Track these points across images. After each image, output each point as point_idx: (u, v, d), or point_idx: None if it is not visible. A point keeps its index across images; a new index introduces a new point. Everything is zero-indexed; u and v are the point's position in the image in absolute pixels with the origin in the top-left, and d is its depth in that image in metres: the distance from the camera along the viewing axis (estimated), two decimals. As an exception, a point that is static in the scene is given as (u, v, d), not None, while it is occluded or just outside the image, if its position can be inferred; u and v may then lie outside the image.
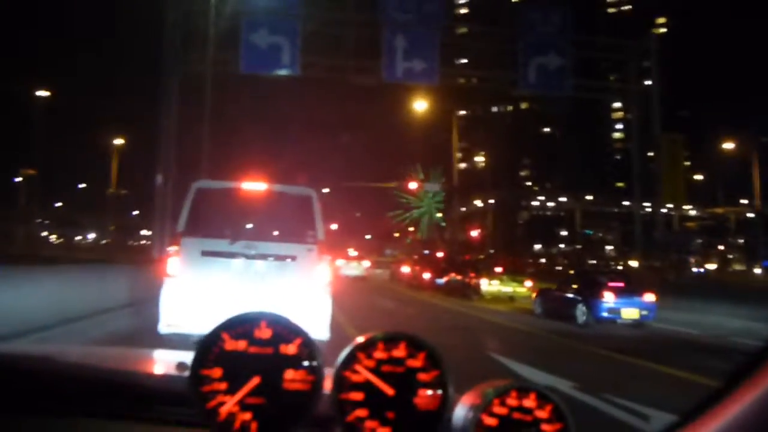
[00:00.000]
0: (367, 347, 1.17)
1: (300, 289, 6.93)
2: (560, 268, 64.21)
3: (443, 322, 14.74)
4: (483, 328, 14.05)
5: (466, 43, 31.47)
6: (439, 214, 71.13)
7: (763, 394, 0.88)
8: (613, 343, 11.53)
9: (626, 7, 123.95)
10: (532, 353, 10.01)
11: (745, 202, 70.12)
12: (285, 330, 1.17)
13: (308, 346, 1.17)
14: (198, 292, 6.73)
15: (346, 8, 23.34)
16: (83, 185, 73.95)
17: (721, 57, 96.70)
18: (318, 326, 6.66)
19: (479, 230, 69.50)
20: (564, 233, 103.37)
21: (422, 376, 1.17)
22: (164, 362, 1.96)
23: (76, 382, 1.45)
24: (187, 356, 1.26)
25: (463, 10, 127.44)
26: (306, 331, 1.18)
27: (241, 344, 1.15)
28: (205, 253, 6.92)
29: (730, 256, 73.27)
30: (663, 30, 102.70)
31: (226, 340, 1.15)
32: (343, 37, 22.65)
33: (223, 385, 1.12)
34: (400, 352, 1.17)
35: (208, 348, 1.14)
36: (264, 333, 1.16)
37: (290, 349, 1.16)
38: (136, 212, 65.11)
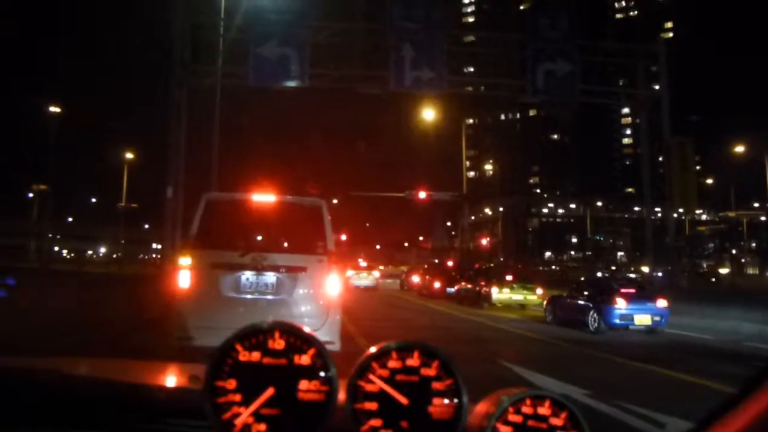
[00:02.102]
0: (380, 356, 1.17)
1: (310, 300, 6.93)
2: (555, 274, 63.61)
3: (454, 331, 14.69)
4: (494, 336, 13.99)
5: (474, 51, 31.51)
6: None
7: None
8: (627, 349, 11.46)
9: (633, 13, 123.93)
10: (545, 361, 9.96)
11: (758, 205, 69.66)
12: (299, 340, 1.17)
13: (322, 357, 1.17)
14: (209, 305, 6.73)
15: (354, 18, 23.46)
16: (95, 200, 74.59)
17: (730, 59, 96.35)
18: (329, 337, 6.65)
19: (489, 238, 69.32)
20: (574, 240, 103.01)
21: (436, 385, 1.17)
22: (176, 375, 1.97)
23: (87, 394, 1.45)
24: (199, 369, 1.26)
25: (470, 18, 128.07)
26: (319, 341, 1.18)
27: (255, 355, 1.15)
28: (216, 265, 6.93)
29: (743, 260, 72.58)
30: (670, 34, 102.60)
31: (240, 351, 1.15)
32: (351, 47, 22.76)
33: (237, 397, 1.12)
34: (413, 361, 1.17)
35: (222, 359, 1.14)
36: (278, 344, 1.16)
37: (304, 359, 1.16)
38: (146, 226, 65.48)
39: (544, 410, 1.16)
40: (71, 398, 1.42)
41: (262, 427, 1.11)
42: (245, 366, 1.14)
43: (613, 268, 76.51)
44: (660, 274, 27.17)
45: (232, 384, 1.13)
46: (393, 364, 1.17)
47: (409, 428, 1.14)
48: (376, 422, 1.13)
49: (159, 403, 1.46)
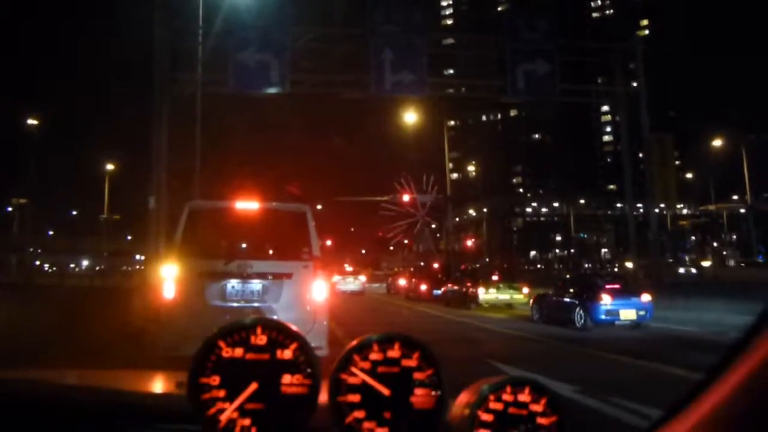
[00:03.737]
0: (362, 349, 1.19)
1: (297, 306, 6.92)
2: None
3: (442, 332, 14.70)
4: (482, 336, 14.02)
5: (454, 54, 31.74)
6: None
7: (742, 383, 0.90)
8: (613, 344, 11.53)
9: (609, 12, 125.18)
10: (533, 359, 10.00)
11: (737, 197, 70.60)
12: (281, 335, 1.19)
13: (304, 351, 1.19)
14: (195, 314, 6.69)
15: (334, 23, 23.50)
16: (75, 212, 73.88)
17: (705, 55, 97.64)
18: (316, 342, 6.64)
19: (474, 239, 69.50)
20: (558, 238, 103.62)
21: (417, 375, 1.19)
22: (162, 382, 1.97)
23: (74, 403, 1.45)
24: (185, 376, 1.27)
25: (449, 21, 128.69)
26: (301, 336, 1.20)
27: (238, 351, 1.16)
28: (201, 274, 6.89)
29: (725, 253, 73.43)
30: (647, 32, 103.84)
31: (223, 348, 1.16)
32: (332, 52, 22.78)
33: (221, 393, 1.14)
34: (394, 352, 1.19)
35: (205, 356, 1.15)
36: (260, 339, 1.18)
37: (286, 354, 1.18)
38: (129, 237, 64.97)
39: (524, 397, 1.18)
40: (59, 407, 1.42)
41: (247, 421, 1.13)
42: (228, 362, 1.15)
43: (588, 265, 77.02)
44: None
45: (215, 380, 1.14)
46: (374, 356, 1.18)
47: (391, 419, 1.15)
48: (359, 414, 1.15)
49: (146, 409, 1.46)
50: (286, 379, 1.16)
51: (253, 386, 1.14)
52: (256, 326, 1.18)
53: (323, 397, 1.17)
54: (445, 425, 1.18)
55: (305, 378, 1.16)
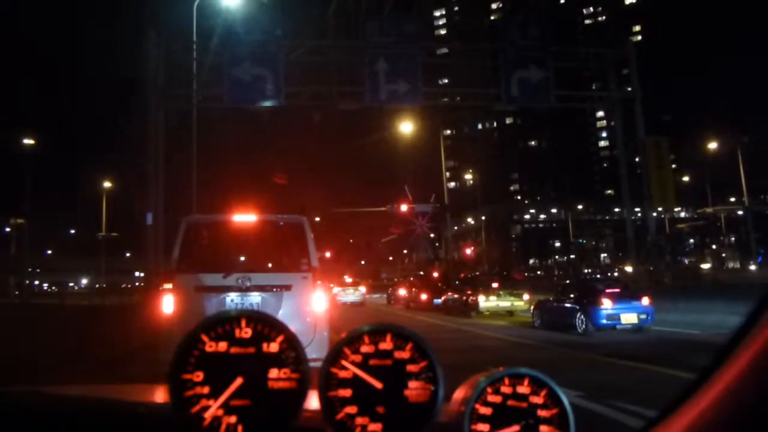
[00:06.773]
0: (352, 342, 1.14)
1: (297, 317, 6.86)
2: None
3: (444, 341, 14.61)
4: (484, 344, 13.96)
5: (448, 63, 31.86)
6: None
7: (733, 382, 0.89)
8: (615, 348, 11.47)
9: (602, 18, 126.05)
10: (535, 365, 9.77)
11: (734, 199, 70.67)
12: (266, 328, 1.14)
13: (291, 343, 1.14)
14: None
15: (328, 35, 23.56)
16: (73, 231, 73.89)
17: (697, 58, 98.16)
18: (317, 354, 6.57)
19: (473, 247, 69.43)
20: (558, 244, 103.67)
21: (411, 368, 1.14)
22: (157, 393, 1.94)
23: (68, 414, 1.42)
24: None
25: (443, 31, 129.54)
26: (288, 328, 1.15)
27: (222, 345, 1.11)
28: (199, 289, 6.85)
29: (724, 255, 73.42)
30: (639, 37, 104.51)
31: (205, 342, 1.11)
32: (327, 64, 22.81)
33: (205, 389, 1.09)
34: (386, 344, 1.14)
35: (187, 351, 1.10)
36: (245, 332, 1.13)
37: (273, 347, 1.13)
38: (128, 254, 64.91)
39: (523, 389, 1.14)
40: (49, 418, 1.39)
41: (232, 419, 1.08)
42: (212, 357, 1.11)
43: (588, 270, 76.95)
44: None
45: (198, 376, 1.09)
46: (366, 348, 1.14)
47: (385, 413, 1.10)
48: (351, 409, 1.10)
49: (141, 418, 1.43)
50: (273, 373, 1.11)
51: (239, 381, 1.09)
52: (240, 318, 1.14)
53: (313, 392, 1.12)
54: (440, 420, 1.13)
55: (293, 372, 1.12)
